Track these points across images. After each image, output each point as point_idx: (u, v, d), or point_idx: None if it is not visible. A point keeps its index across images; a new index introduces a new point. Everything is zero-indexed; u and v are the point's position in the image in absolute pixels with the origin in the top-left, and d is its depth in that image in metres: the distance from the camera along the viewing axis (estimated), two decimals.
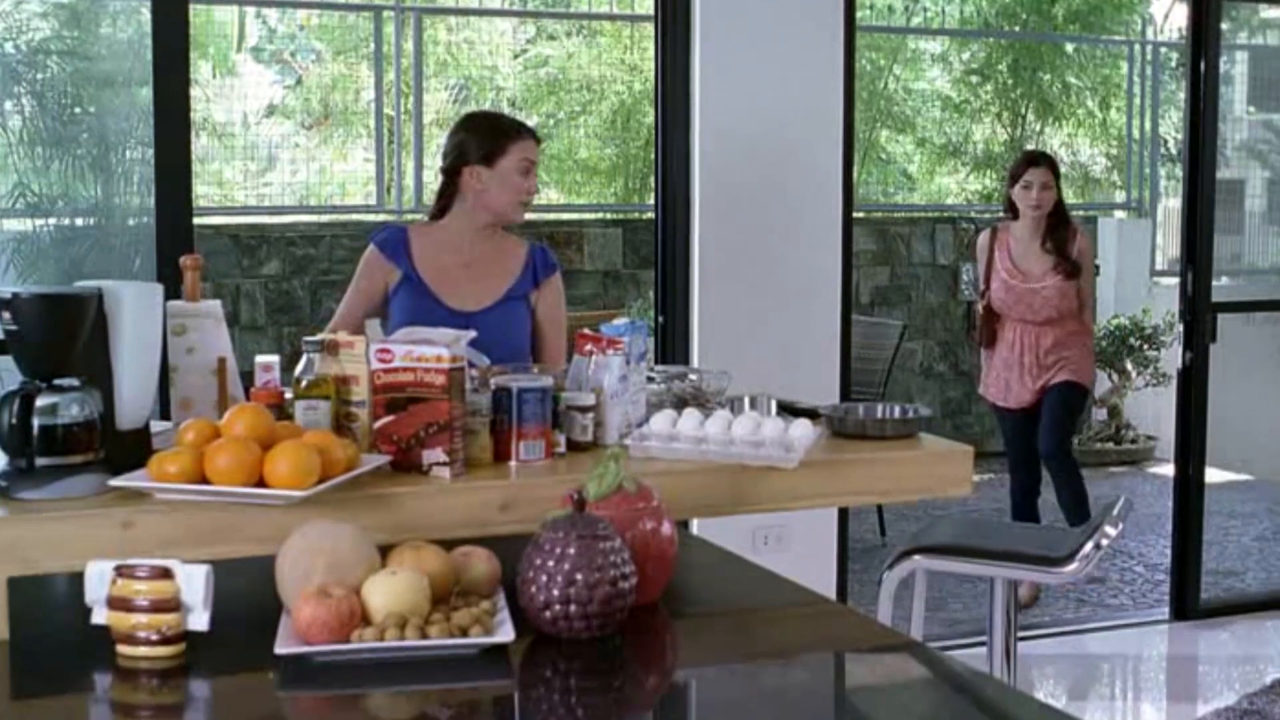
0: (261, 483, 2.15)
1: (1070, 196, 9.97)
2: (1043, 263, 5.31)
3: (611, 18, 9.37)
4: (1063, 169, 10.04)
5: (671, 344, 4.53)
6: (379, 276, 3.27)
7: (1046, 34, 9.91)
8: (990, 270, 5.44)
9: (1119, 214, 9.75)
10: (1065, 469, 5.47)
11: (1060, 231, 5.31)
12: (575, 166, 9.09)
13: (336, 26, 9.04)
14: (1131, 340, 8.31)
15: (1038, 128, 9.70)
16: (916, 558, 3.31)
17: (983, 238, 5.56)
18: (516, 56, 9.39)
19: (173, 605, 1.86)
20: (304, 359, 2.41)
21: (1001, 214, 5.62)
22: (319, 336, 2.55)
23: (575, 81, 9.10)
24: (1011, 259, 5.37)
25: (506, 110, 8.75)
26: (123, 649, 1.87)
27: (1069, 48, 9.92)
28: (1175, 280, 5.99)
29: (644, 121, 8.74)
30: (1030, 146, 9.76)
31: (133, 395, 2.30)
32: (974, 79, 9.66)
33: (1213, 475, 5.54)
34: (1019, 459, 5.58)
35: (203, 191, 7.96)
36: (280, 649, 1.83)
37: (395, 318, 3.20)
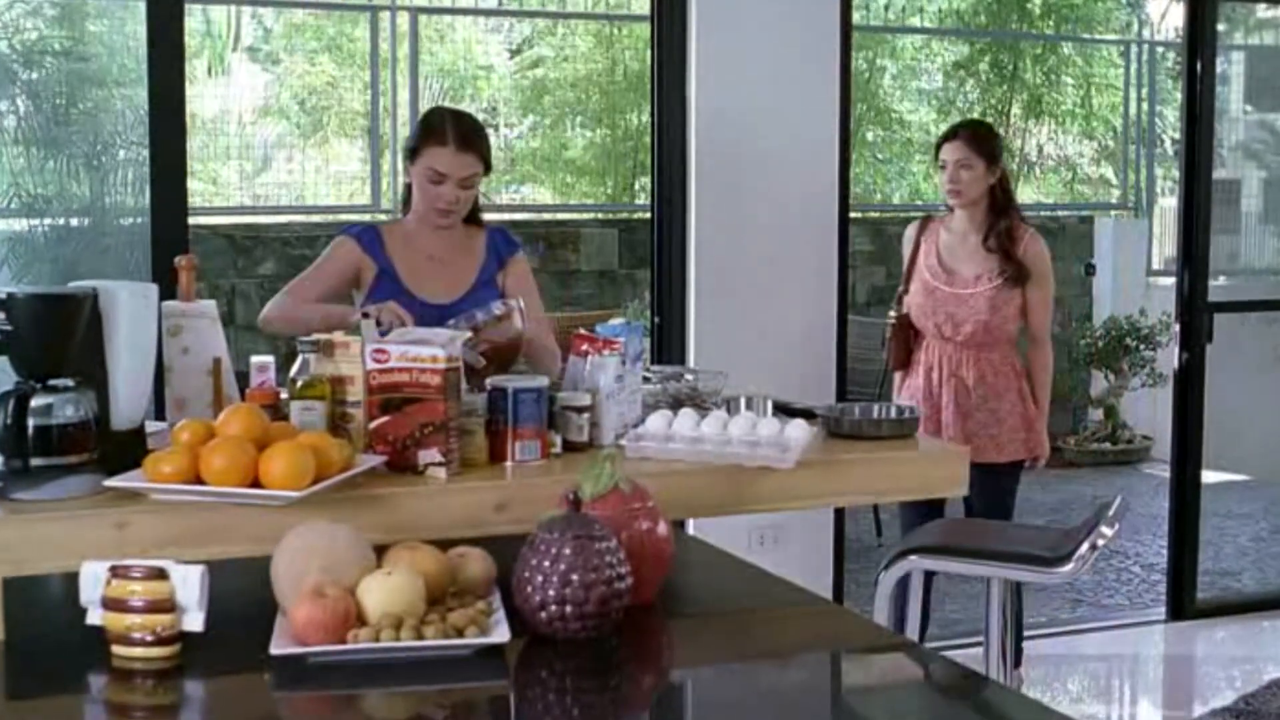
0: (256, 483, 2.15)
1: (1063, 195, 9.97)
2: (979, 264, 4.14)
3: (609, 18, 9.36)
4: (1050, 165, 10.11)
5: (667, 344, 4.53)
6: (351, 266, 3.26)
7: (1049, 34, 9.91)
8: (913, 269, 4.28)
9: (1115, 213, 9.76)
10: None
11: (1005, 226, 4.15)
12: (565, 167, 9.09)
13: (332, 26, 9.03)
14: (1128, 340, 8.32)
15: (1023, 125, 9.69)
16: (913, 558, 3.31)
17: (910, 229, 4.35)
18: (513, 55, 9.39)
19: (168, 606, 1.86)
20: (299, 359, 2.41)
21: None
22: (269, 308, 2.52)
23: (565, 80, 9.10)
24: (939, 256, 4.20)
25: (501, 110, 8.76)
26: (118, 649, 1.87)
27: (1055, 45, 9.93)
28: (1171, 280, 5.99)
29: (631, 120, 8.75)
30: (1017, 144, 9.73)
31: (128, 395, 2.30)
32: (960, 73, 9.66)
33: (1209, 475, 5.55)
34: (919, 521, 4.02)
35: (197, 190, 7.95)
36: (275, 649, 1.83)
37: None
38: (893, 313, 4.30)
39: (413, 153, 3.23)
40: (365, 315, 2.89)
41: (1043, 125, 9.80)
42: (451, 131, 3.19)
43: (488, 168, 3.27)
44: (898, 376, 4.31)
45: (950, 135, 4.20)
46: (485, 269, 3.30)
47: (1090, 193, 10.15)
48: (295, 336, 2.51)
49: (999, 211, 4.17)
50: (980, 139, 4.18)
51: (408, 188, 3.33)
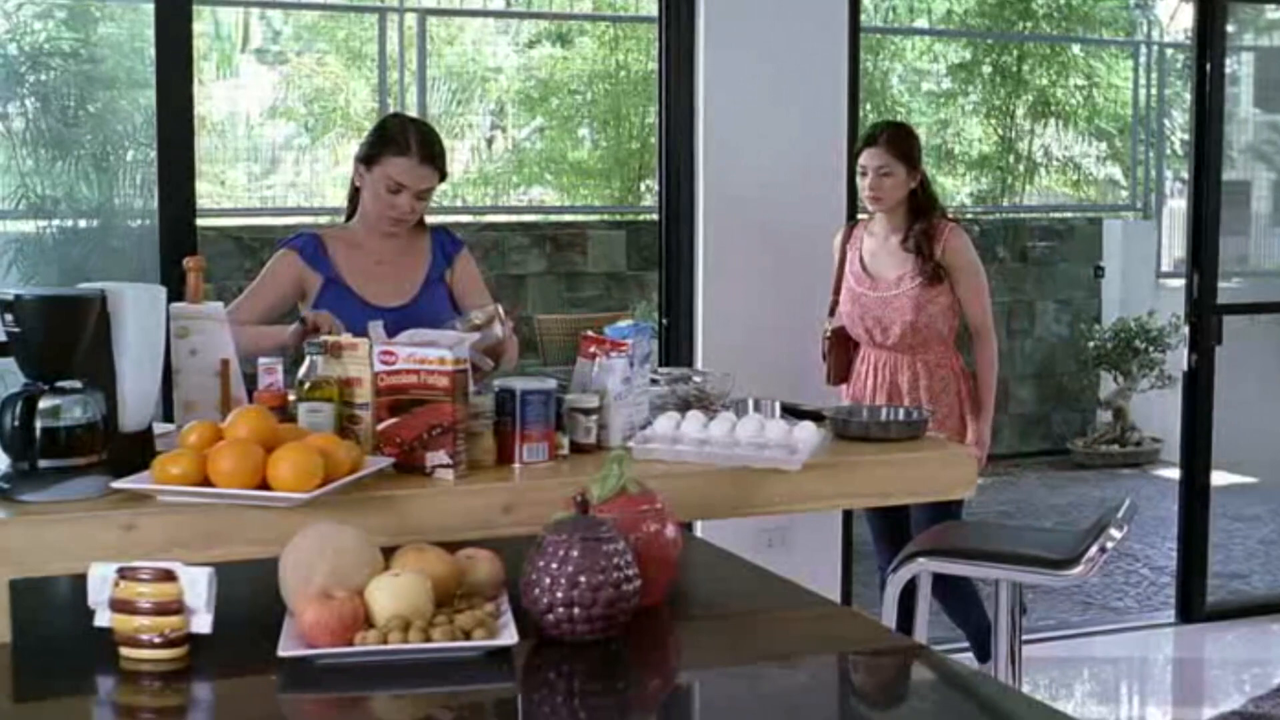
0: (264, 485, 2.15)
1: (1069, 196, 9.94)
2: (899, 265, 4.07)
3: (616, 19, 9.37)
4: (1056, 165, 10.08)
5: (675, 346, 4.52)
6: (292, 281, 3.23)
7: (1059, 36, 9.89)
8: (841, 277, 4.23)
9: (1124, 215, 9.75)
10: (954, 592, 4.06)
11: (924, 225, 4.07)
12: (572, 168, 9.10)
13: (340, 29, 9.04)
14: (1136, 342, 8.31)
15: (1028, 126, 9.69)
16: (921, 560, 3.30)
17: (837, 237, 4.29)
18: (520, 55, 9.39)
19: (176, 608, 1.86)
20: (307, 361, 2.41)
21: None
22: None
23: (571, 83, 9.10)
24: (862, 261, 4.16)
25: (508, 111, 8.77)
26: (126, 651, 1.87)
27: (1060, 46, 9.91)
28: (1180, 282, 5.98)
29: (634, 122, 8.75)
30: (1021, 145, 9.70)
31: (135, 397, 2.30)
32: (964, 75, 9.65)
33: (1218, 478, 5.53)
34: (887, 538, 4.21)
35: (205, 192, 7.96)
36: (283, 651, 1.83)
37: None
38: (828, 325, 4.22)
39: (369, 159, 3.19)
40: (303, 320, 2.90)
41: (1048, 126, 9.78)
42: (414, 143, 3.15)
43: (442, 177, 3.24)
44: (842, 389, 4.22)
45: (869, 141, 4.10)
46: (433, 269, 3.28)
47: (1097, 194, 10.13)
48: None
49: (919, 212, 4.09)
50: (899, 144, 4.08)
51: (355, 191, 3.29)
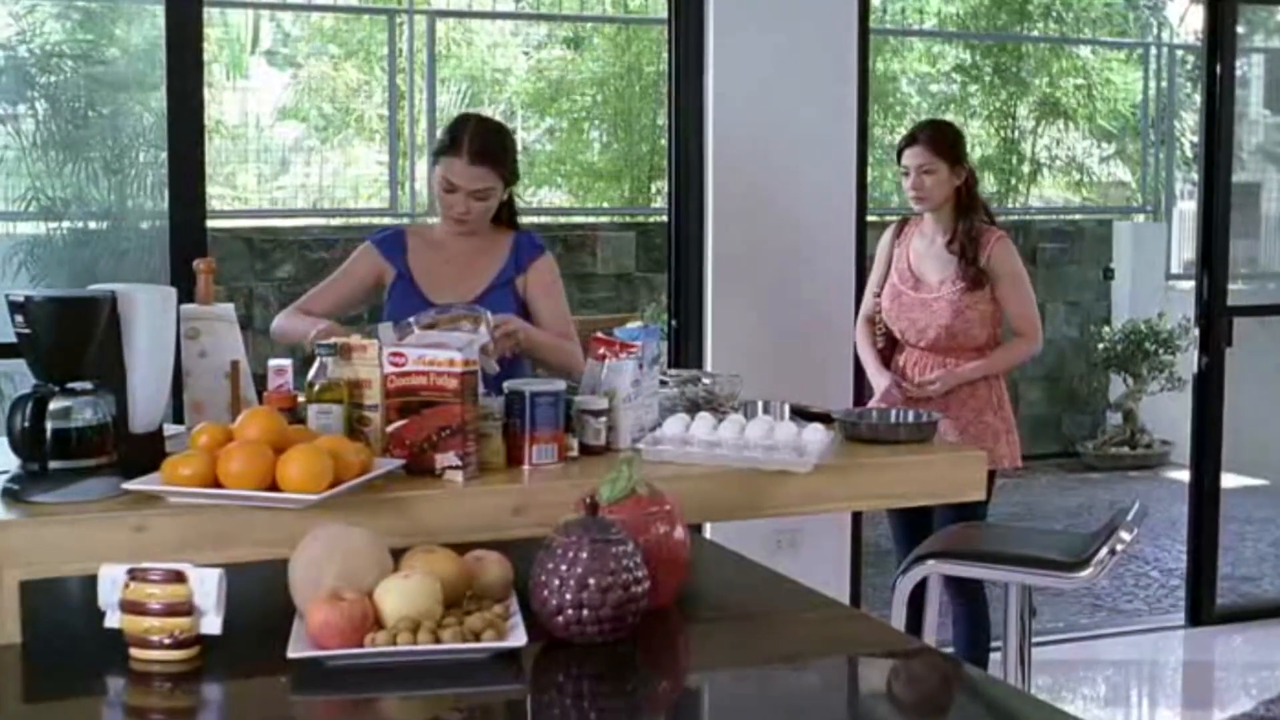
0: (274, 486, 2.15)
1: (1074, 198, 9.92)
2: (943, 268, 4.00)
3: (626, 20, 9.37)
4: (1060, 166, 10.05)
5: (684, 348, 4.52)
6: (371, 269, 3.32)
7: (1069, 38, 9.87)
8: (886, 274, 4.16)
9: (1134, 217, 9.73)
10: (963, 592, 3.97)
11: (969, 226, 3.98)
12: (582, 169, 9.10)
13: (349, 30, 9.05)
14: (1146, 344, 8.29)
15: (1030, 126, 9.67)
16: (930, 562, 3.30)
17: (887, 232, 4.23)
18: (532, 53, 9.39)
19: (185, 609, 1.86)
20: (317, 363, 2.41)
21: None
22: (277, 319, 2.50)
23: (581, 84, 9.11)
24: (909, 261, 4.09)
25: (518, 112, 8.78)
26: (136, 652, 1.87)
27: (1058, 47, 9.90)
28: (1190, 284, 5.97)
29: (645, 123, 8.75)
30: (1024, 147, 9.68)
31: (146, 398, 2.30)
32: (962, 77, 9.64)
33: (1228, 480, 5.52)
34: (907, 541, 3.93)
35: (216, 194, 7.98)
36: (293, 653, 1.83)
37: (388, 317, 3.21)
38: (879, 323, 4.13)
39: (435, 157, 3.27)
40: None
41: (1051, 128, 9.77)
42: (467, 143, 3.17)
43: (509, 180, 3.26)
44: (882, 380, 4.06)
45: (910, 140, 4.02)
46: (503, 272, 3.29)
47: (1103, 197, 10.11)
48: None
49: (965, 212, 4.00)
50: (941, 141, 4.00)
51: None
